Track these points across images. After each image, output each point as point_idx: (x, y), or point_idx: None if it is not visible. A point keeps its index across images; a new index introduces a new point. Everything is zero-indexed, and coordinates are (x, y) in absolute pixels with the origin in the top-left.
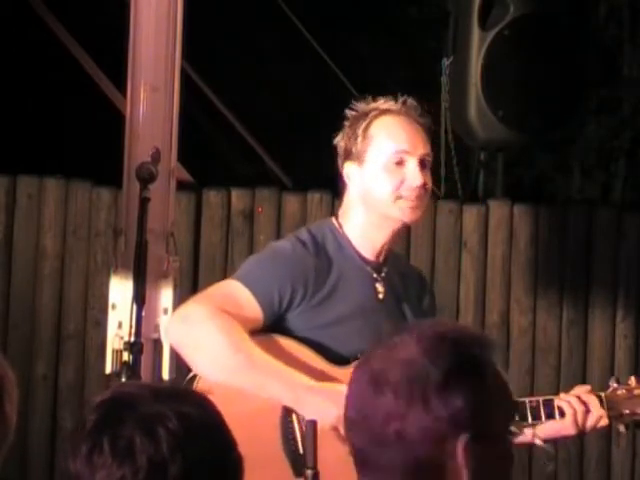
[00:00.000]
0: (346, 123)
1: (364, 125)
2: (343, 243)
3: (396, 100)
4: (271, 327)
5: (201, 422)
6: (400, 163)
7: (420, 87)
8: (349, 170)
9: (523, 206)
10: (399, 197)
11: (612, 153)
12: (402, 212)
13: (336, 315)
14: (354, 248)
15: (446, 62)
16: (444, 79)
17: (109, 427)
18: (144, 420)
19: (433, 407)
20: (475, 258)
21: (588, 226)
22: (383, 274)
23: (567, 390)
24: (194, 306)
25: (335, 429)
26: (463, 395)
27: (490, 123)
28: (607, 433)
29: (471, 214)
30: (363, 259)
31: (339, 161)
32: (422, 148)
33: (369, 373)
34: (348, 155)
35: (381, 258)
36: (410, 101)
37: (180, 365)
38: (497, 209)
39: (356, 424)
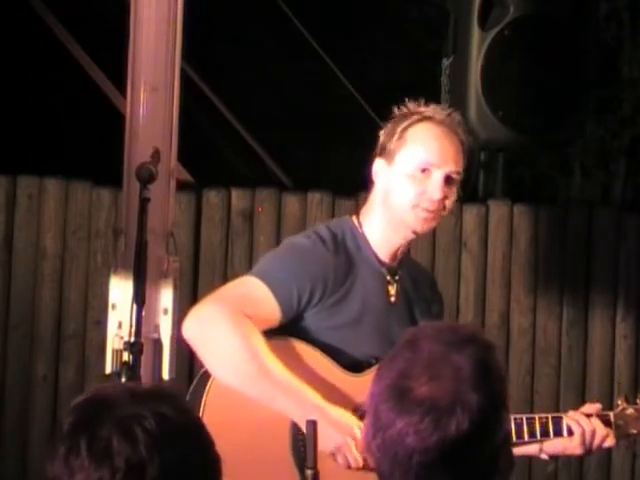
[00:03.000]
0: (391, 120)
1: (404, 125)
2: (361, 243)
3: (443, 110)
4: (286, 325)
5: (178, 423)
6: (426, 173)
7: (420, 87)
8: (378, 166)
9: (523, 206)
10: (417, 206)
11: (612, 153)
12: (416, 220)
13: (349, 316)
14: (371, 249)
15: (446, 62)
16: (444, 79)
17: (86, 429)
18: (121, 421)
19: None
20: (475, 258)
21: (588, 226)
22: (397, 277)
23: (567, 390)
24: (213, 305)
25: (332, 456)
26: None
27: (490, 123)
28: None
29: (471, 214)
30: (379, 261)
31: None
32: (451, 164)
33: (395, 406)
34: (382, 151)
35: (396, 261)
36: (456, 115)
37: (180, 365)
38: (497, 209)
39: (384, 453)
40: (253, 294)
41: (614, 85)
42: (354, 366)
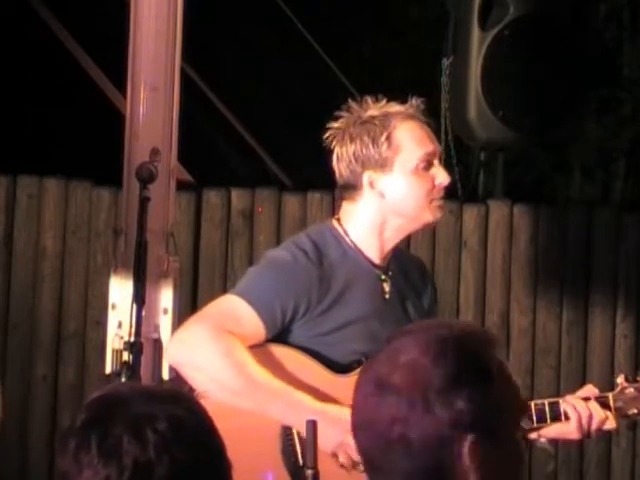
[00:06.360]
0: (353, 129)
1: (386, 134)
2: (348, 248)
3: (399, 104)
4: (273, 338)
5: (191, 426)
6: (427, 166)
7: (420, 87)
8: (375, 179)
9: (523, 206)
10: (432, 199)
11: (612, 153)
12: (434, 214)
13: (342, 321)
14: (362, 253)
15: (446, 62)
16: (444, 79)
17: (98, 426)
18: (133, 420)
19: (435, 410)
20: (475, 258)
21: (588, 226)
22: (390, 273)
23: (567, 390)
24: (194, 326)
25: (334, 455)
26: (467, 397)
27: (490, 123)
28: (607, 433)
29: (471, 214)
30: (370, 262)
31: (345, 166)
32: (438, 146)
33: (373, 378)
34: (369, 163)
35: (387, 260)
36: (416, 101)
37: None
38: (497, 209)
39: (362, 428)
40: (236, 312)
41: (614, 85)
42: (342, 367)
